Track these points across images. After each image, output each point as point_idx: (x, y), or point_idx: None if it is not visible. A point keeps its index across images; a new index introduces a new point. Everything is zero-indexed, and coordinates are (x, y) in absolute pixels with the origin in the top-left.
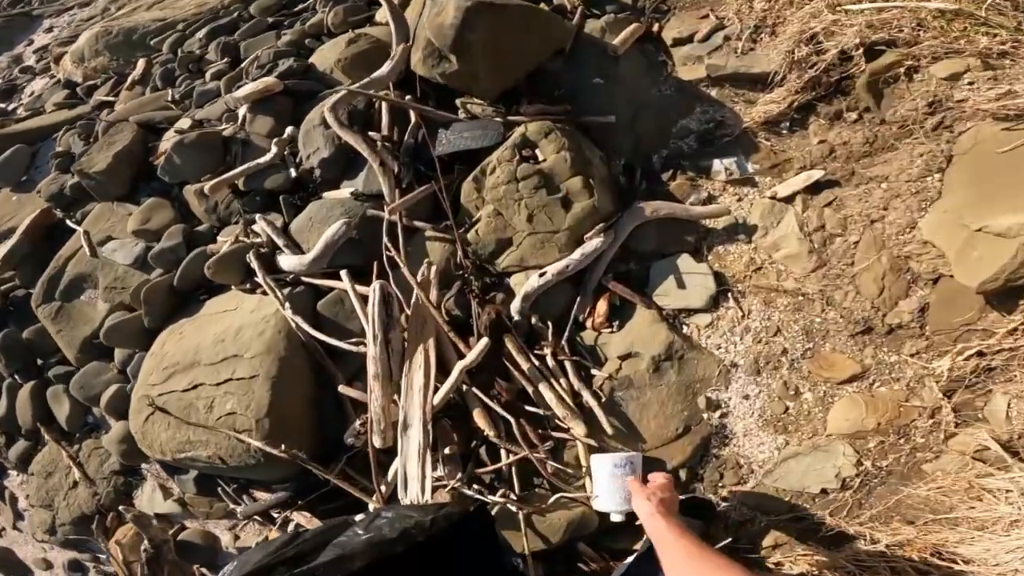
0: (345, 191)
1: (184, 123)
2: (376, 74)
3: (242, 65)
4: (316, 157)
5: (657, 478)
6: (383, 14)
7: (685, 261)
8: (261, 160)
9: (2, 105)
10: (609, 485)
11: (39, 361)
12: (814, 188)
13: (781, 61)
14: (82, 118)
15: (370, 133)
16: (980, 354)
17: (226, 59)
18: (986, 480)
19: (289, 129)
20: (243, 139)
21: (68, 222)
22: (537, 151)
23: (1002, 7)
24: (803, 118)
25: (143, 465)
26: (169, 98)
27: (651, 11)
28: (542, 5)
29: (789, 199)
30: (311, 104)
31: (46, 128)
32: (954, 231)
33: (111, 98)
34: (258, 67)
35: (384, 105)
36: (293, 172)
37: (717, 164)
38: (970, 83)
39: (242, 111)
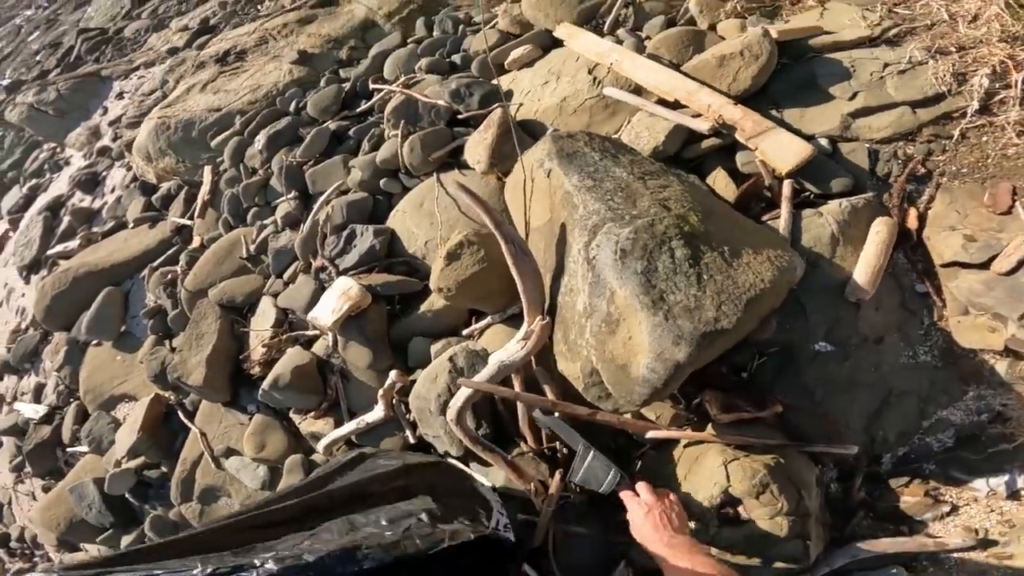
0: (479, 477)
1: (268, 311)
2: (505, 358)
3: (314, 211)
4: (439, 443)
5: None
6: (472, 147)
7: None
8: (370, 419)
9: (88, 199)
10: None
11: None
12: None
13: None
14: (166, 246)
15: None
16: None
17: (294, 192)
18: None
19: (392, 376)
20: (340, 367)
21: (180, 414)
22: (741, 509)
23: None
24: None
25: None
26: (243, 254)
27: (904, 179)
28: (721, 179)
29: None
30: (409, 313)
31: (132, 262)
32: None
33: (187, 221)
34: (332, 230)
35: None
36: (411, 436)
37: (981, 484)
38: None
39: (331, 338)
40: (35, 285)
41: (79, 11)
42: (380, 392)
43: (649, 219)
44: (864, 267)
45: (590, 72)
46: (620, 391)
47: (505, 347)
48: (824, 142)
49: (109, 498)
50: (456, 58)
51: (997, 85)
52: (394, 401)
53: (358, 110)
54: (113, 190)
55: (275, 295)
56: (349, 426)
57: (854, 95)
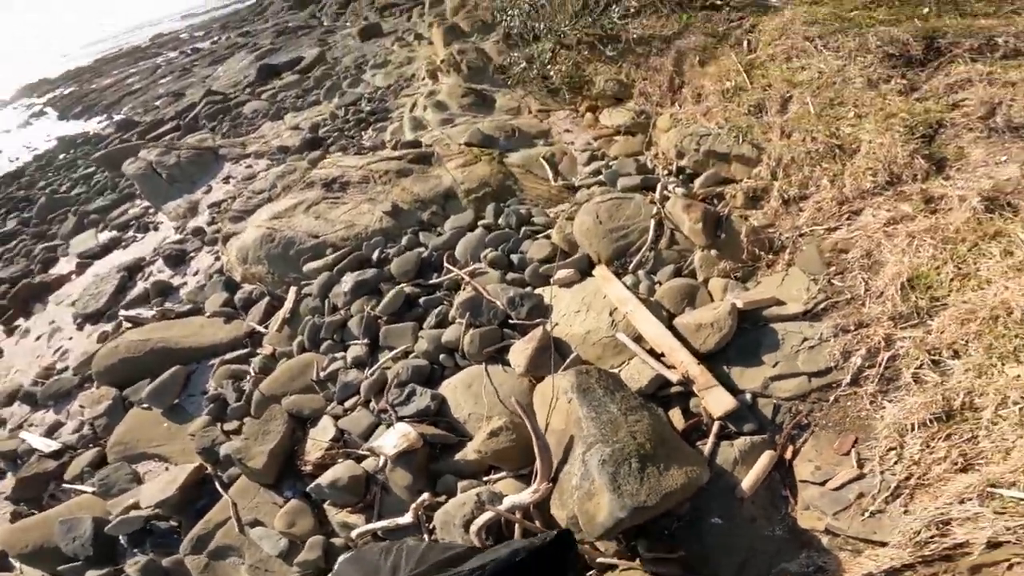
0: None
1: (328, 427)
2: (518, 500)
3: (381, 362)
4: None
5: None
6: (516, 353)
7: None
8: (400, 521)
9: (169, 274)
10: None
11: None
12: None
13: (903, 540)
14: (236, 345)
15: None
16: None
17: (366, 340)
18: None
19: (425, 496)
20: (383, 482)
21: (217, 484)
22: None
23: None
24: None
25: None
26: (315, 376)
27: (790, 427)
28: (677, 414)
29: None
30: (446, 458)
31: (204, 350)
32: None
33: (262, 329)
34: (397, 384)
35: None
36: (427, 537)
37: None
38: None
39: (382, 460)
40: (87, 334)
41: (212, 67)
42: (413, 505)
43: (622, 445)
44: (749, 480)
45: (611, 315)
46: (588, 529)
47: (519, 494)
48: (748, 396)
49: (101, 536)
50: (515, 258)
51: (868, 364)
52: (420, 512)
53: (430, 281)
54: (196, 273)
55: (335, 416)
56: (381, 523)
57: (776, 363)
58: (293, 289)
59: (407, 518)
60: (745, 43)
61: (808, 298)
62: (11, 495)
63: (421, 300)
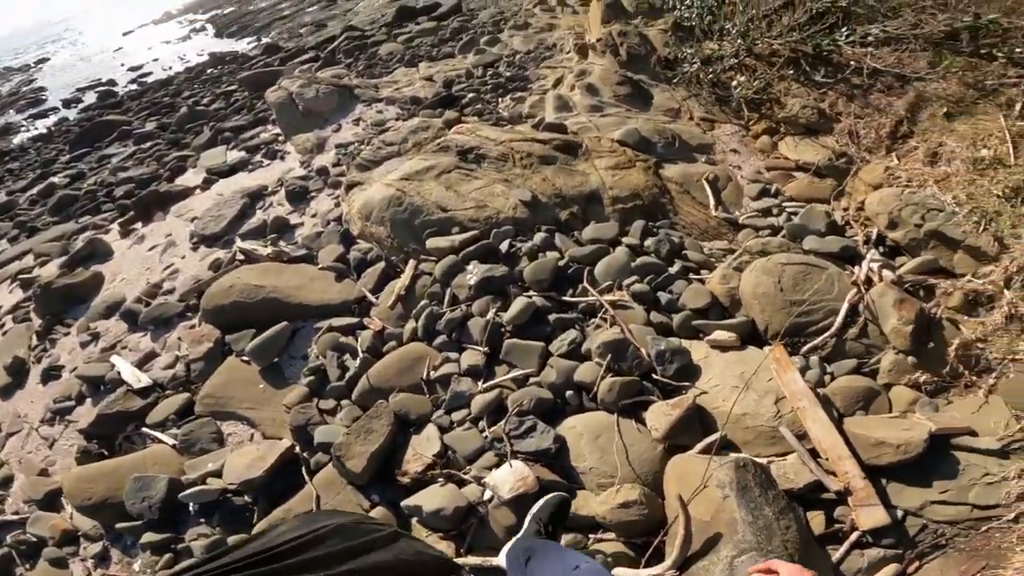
0: None
1: (432, 439)
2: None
3: (499, 379)
4: None
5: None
6: (655, 414)
7: None
8: (494, 561)
9: (289, 210)
10: None
11: None
12: None
13: None
14: (345, 309)
15: None
16: None
17: (487, 349)
18: None
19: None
20: (482, 516)
21: (304, 470)
22: None
23: None
24: None
25: None
26: (425, 376)
27: (927, 545)
28: (819, 518)
29: None
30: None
31: (312, 308)
32: None
33: (374, 299)
34: (517, 412)
35: None
36: None
37: None
38: None
39: (488, 494)
40: (200, 256)
41: (353, 0)
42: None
43: (776, 556)
44: None
45: (776, 403)
46: None
47: (638, 571)
48: (899, 513)
49: (171, 501)
50: (663, 296)
51: None
52: None
53: (564, 297)
54: (315, 216)
55: (441, 428)
56: (475, 560)
57: (946, 491)
58: (412, 263)
59: (500, 560)
60: (1020, 106)
61: (1005, 435)
62: (87, 428)
63: (551, 317)
